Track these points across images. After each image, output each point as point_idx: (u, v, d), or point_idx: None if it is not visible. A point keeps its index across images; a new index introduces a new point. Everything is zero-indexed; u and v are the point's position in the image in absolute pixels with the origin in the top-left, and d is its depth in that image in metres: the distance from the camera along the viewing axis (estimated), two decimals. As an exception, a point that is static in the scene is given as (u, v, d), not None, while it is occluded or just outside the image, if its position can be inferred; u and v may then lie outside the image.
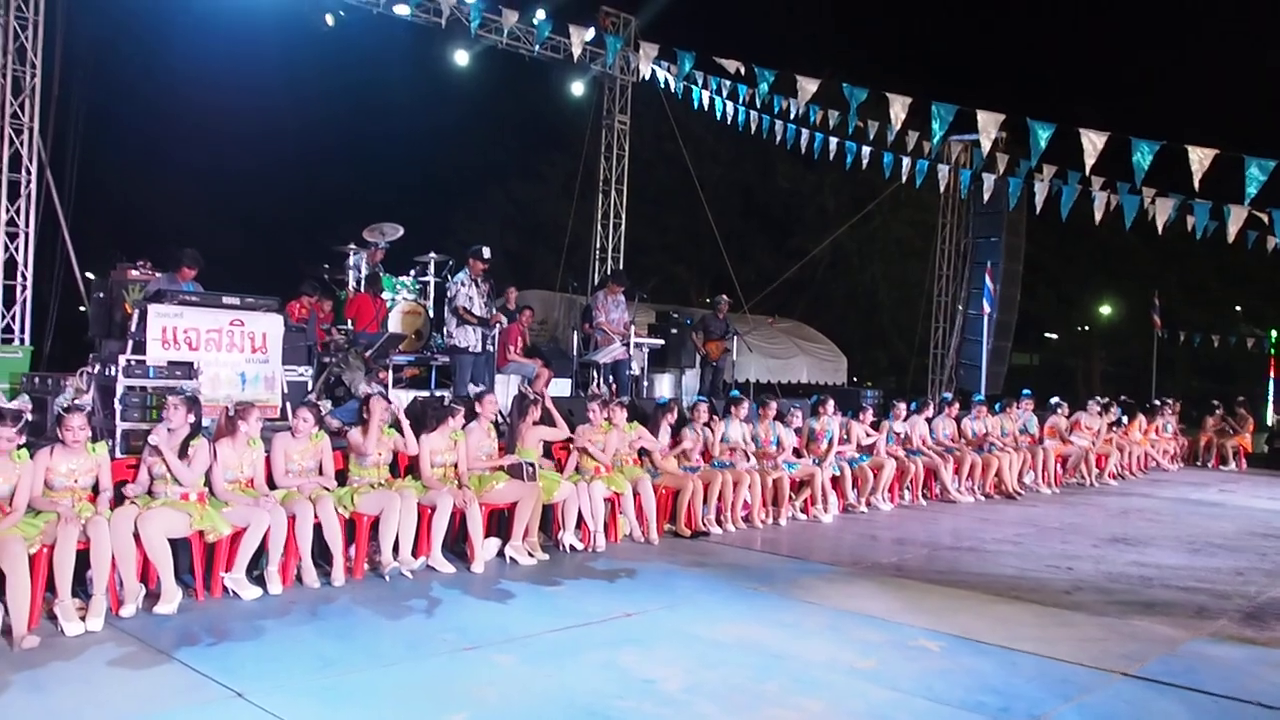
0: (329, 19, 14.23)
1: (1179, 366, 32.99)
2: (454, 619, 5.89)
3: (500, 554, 7.51)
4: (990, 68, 31.53)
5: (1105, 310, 35.67)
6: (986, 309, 17.46)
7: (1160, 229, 12.44)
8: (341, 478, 7.15)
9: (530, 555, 7.51)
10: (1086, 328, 37.90)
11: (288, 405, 7.94)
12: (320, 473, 6.96)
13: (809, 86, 11.24)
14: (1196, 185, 9.78)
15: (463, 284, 10.28)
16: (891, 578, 7.37)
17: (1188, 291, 29.94)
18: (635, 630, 5.77)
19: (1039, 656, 5.39)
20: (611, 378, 12.06)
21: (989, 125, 10.22)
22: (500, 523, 7.83)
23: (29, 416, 5.48)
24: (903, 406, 11.73)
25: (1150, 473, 15.87)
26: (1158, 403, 17.68)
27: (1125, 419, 15.91)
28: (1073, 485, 13.72)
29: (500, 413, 8.68)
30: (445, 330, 10.48)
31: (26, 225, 12.02)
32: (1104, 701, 4.72)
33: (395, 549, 6.81)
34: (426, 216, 22.52)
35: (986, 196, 15.31)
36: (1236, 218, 11.20)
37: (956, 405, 12.83)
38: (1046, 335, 38.70)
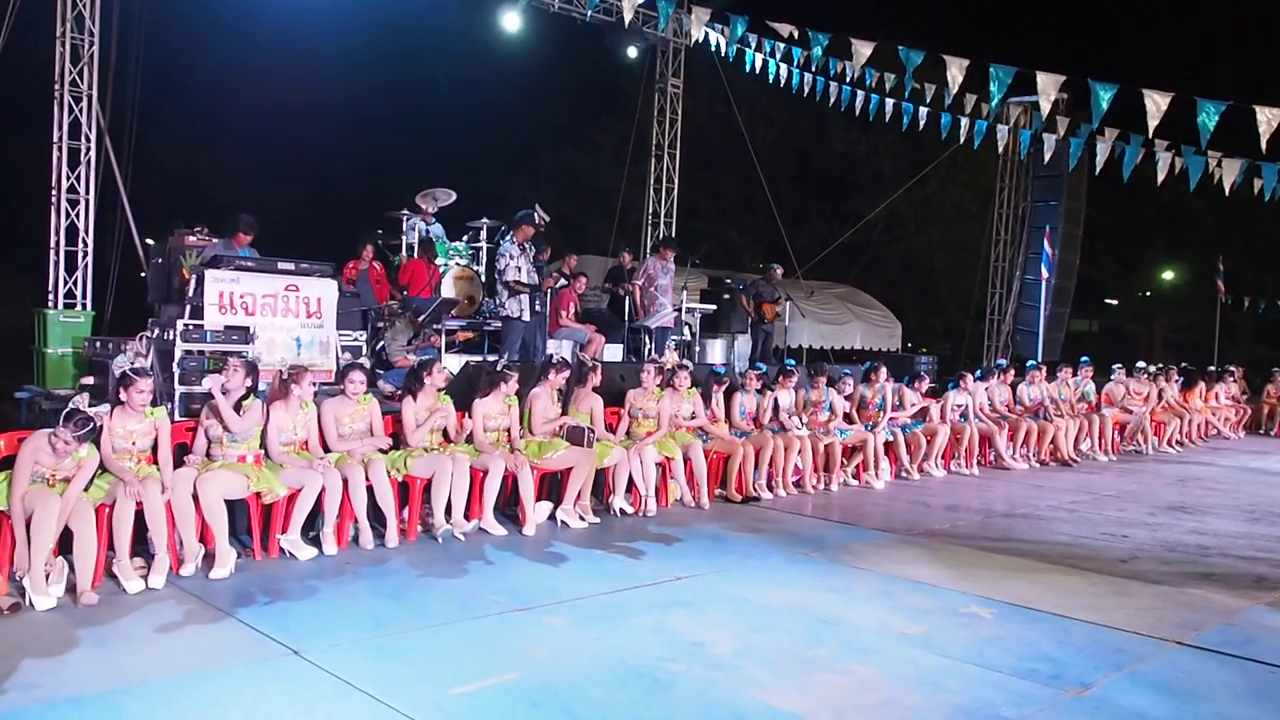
0: None
1: (1243, 333, 32.39)
2: (505, 581, 5.95)
3: (551, 517, 7.57)
4: (1050, 27, 30.78)
5: (1168, 275, 35.00)
6: (1044, 274, 17.11)
7: (1227, 191, 12.13)
8: (396, 441, 7.21)
9: (581, 519, 7.57)
10: (1148, 293, 37.23)
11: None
12: (371, 434, 7.03)
13: (864, 50, 10.99)
14: (1264, 146, 9.50)
15: (511, 255, 10.22)
16: (943, 544, 7.32)
17: (1254, 256, 29.26)
18: (685, 594, 5.79)
19: (1092, 625, 5.33)
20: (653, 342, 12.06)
21: (1049, 87, 9.95)
22: (552, 486, 7.90)
23: (98, 423, 5.51)
24: (970, 379, 11.54)
25: (1211, 440, 15.57)
26: (1219, 369, 17.33)
27: (1187, 386, 15.61)
28: (1130, 453, 13.50)
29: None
30: (497, 299, 10.49)
31: (87, 192, 12.22)
32: (1158, 670, 4.66)
33: (448, 512, 6.89)
34: (479, 182, 22.58)
35: (1046, 159, 15.03)
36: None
37: (1011, 372, 12.65)
38: (1107, 301, 38.08)
